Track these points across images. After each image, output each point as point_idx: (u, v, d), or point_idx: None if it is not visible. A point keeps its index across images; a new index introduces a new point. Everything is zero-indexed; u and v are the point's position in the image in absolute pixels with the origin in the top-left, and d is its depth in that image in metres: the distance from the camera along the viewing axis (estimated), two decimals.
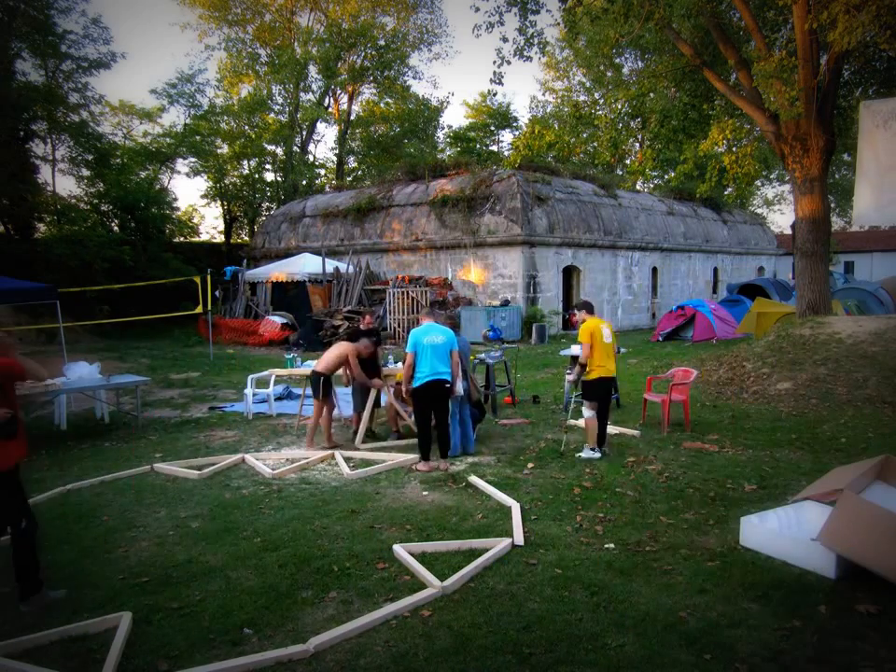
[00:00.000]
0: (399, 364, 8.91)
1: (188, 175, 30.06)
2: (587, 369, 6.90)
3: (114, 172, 23.72)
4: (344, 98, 34.19)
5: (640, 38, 14.88)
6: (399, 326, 18.71)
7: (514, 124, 38.29)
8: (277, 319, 19.94)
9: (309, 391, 9.36)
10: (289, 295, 20.77)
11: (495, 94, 36.63)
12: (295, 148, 32.35)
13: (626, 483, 6.15)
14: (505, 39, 13.51)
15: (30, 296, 11.69)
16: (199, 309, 17.41)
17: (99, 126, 24.66)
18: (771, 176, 37.76)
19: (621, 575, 4.30)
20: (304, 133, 33.09)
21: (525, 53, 13.43)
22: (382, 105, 34.76)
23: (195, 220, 31.05)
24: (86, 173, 24.40)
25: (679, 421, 8.26)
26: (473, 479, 6.28)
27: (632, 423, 8.51)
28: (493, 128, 38.91)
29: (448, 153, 34.79)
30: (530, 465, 6.79)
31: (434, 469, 6.69)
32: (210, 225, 71.32)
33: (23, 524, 4.16)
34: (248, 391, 9.58)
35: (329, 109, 33.78)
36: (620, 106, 15.40)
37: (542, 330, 18.37)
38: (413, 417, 7.41)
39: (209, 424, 9.29)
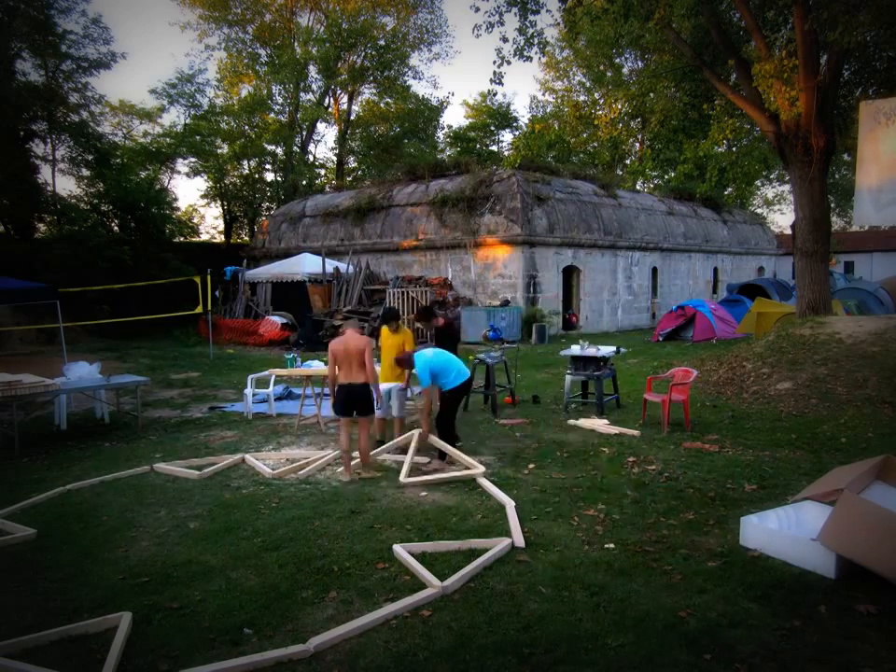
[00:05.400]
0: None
1: (188, 175, 30.09)
2: None
3: (114, 172, 23.70)
4: (344, 98, 34.20)
5: (640, 38, 14.87)
6: None
7: (514, 124, 38.30)
8: (277, 319, 19.94)
9: (309, 391, 9.39)
10: (289, 295, 20.77)
11: (495, 94, 36.61)
12: (295, 148, 32.34)
13: (626, 483, 6.15)
14: (505, 39, 13.50)
15: (30, 296, 11.69)
16: (199, 309, 17.40)
17: (99, 126, 24.69)
18: (771, 176, 37.74)
19: (621, 575, 4.30)
20: (304, 133, 33.07)
21: (525, 53, 13.42)
22: (382, 104, 34.75)
23: (195, 220, 31.07)
24: (86, 173, 24.41)
25: (678, 421, 8.26)
26: (480, 480, 6.28)
27: (632, 423, 8.51)
28: (493, 128, 38.88)
29: (448, 153, 34.78)
30: (530, 465, 6.79)
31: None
32: (210, 225, 71.04)
33: None
34: (248, 391, 9.57)
35: (329, 109, 33.78)
36: (620, 106, 15.41)
37: (542, 330, 18.36)
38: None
39: (209, 424, 9.29)
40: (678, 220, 25.93)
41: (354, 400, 6.52)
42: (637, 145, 33.98)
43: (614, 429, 8.16)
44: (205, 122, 28.48)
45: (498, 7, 13.03)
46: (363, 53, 32.44)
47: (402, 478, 6.36)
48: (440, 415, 7.12)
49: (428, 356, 6.94)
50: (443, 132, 37.87)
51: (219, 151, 30.20)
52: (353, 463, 6.68)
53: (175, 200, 31.70)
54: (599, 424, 8.40)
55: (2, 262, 17.51)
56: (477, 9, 13.52)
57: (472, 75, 74.13)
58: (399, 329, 7.64)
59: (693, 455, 7.05)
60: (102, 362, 10.99)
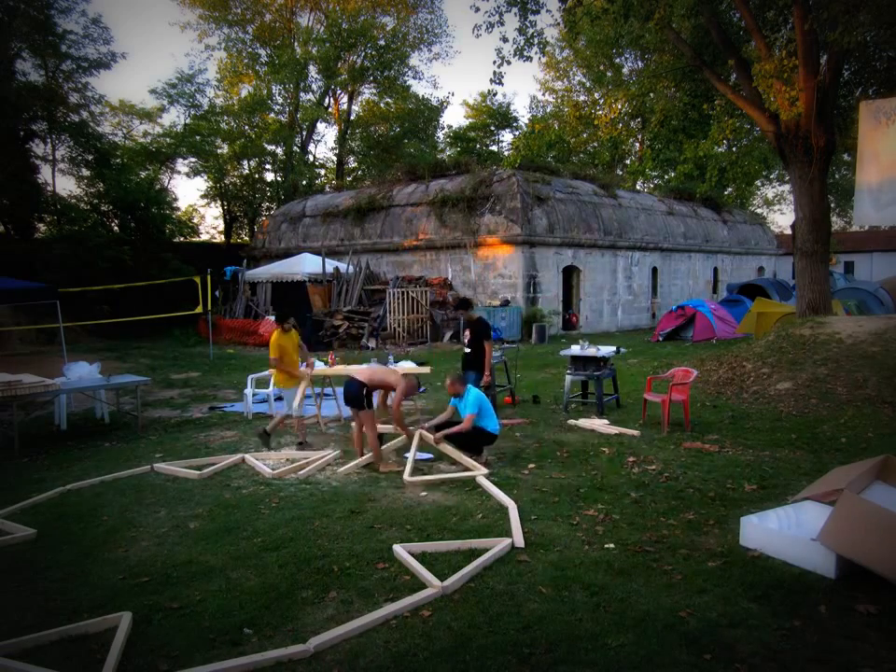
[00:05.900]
0: (402, 363, 8.89)
1: (188, 175, 30.09)
2: None
3: (114, 172, 23.70)
4: (344, 98, 34.21)
5: (640, 38, 14.88)
6: (398, 326, 18.71)
7: (514, 124, 38.31)
8: None
9: (309, 391, 9.37)
10: (289, 295, 20.76)
11: (495, 94, 36.63)
12: (295, 148, 32.33)
13: (626, 483, 6.15)
14: (505, 39, 13.51)
15: (30, 296, 11.69)
16: (199, 309, 17.40)
17: (99, 126, 24.70)
18: (771, 176, 37.77)
19: (621, 575, 4.29)
20: (304, 133, 33.07)
21: (525, 53, 13.43)
22: (382, 104, 34.76)
23: (195, 220, 31.06)
24: (86, 173, 24.41)
25: (678, 421, 8.26)
26: (480, 479, 6.28)
27: (632, 423, 8.51)
28: (493, 128, 38.90)
29: (448, 153, 34.78)
30: (530, 465, 6.79)
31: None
32: (210, 225, 71.02)
33: None
34: (248, 391, 9.58)
35: (329, 109, 33.78)
36: (620, 106, 15.42)
37: (542, 330, 18.37)
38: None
39: (209, 424, 9.29)
40: (678, 220, 25.93)
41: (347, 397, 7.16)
42: (637, 145, 34.01)
43: (614, 429, 8.16)
44: (205, 122, 28.48)
45: (498, 7, 13.04)
46: (363, 53, 32.44)
47: (406, 476, 6.38)
48: (464, 439, 7.08)
49: (482, 395, 7.17)
50: (443, 132, 37.96)
51: (219, 151, 30.19)
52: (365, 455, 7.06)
53: (175, 200, 31.67)
54: (599, 424, 8.39)
55: (2, 262, 17.51)
56: (477, 9, 13.54)
57: (472, 75, 74.25)
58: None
59: (693, 454, 7.05)
60: (102, 362, 10.99)
